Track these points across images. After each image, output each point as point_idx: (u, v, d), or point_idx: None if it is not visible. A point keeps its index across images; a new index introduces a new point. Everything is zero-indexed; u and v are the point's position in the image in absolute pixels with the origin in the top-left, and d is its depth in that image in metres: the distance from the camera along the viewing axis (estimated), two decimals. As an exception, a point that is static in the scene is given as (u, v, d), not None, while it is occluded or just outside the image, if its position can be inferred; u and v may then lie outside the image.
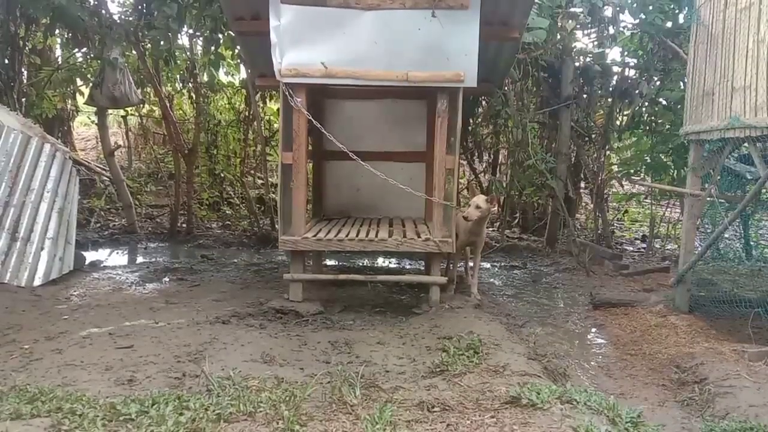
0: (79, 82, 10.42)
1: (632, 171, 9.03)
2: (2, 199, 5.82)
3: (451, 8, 4.88)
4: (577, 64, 8.90)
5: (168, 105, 9.61)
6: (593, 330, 5.33)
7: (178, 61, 9.53)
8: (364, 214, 6.81)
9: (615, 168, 9.92)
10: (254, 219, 9.61)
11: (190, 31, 9.00)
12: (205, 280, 6.40)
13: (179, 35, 8.63)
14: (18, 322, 4.53)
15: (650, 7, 7.89)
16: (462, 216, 5.26)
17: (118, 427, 2.63)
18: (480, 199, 5.29)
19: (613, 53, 9.55)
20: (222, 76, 10.24)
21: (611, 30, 8.72)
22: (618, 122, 9.26)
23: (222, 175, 10.63)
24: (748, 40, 4.49)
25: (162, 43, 8.06)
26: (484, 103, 9.39)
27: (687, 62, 5.78)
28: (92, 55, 9.29)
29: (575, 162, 9.39)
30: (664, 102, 8.58)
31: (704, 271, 5.90)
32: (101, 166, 10.60)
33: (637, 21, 8.25)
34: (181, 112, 11.14)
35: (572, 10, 8.45)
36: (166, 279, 6.42)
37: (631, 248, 9.42)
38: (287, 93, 4.97)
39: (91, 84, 9.09)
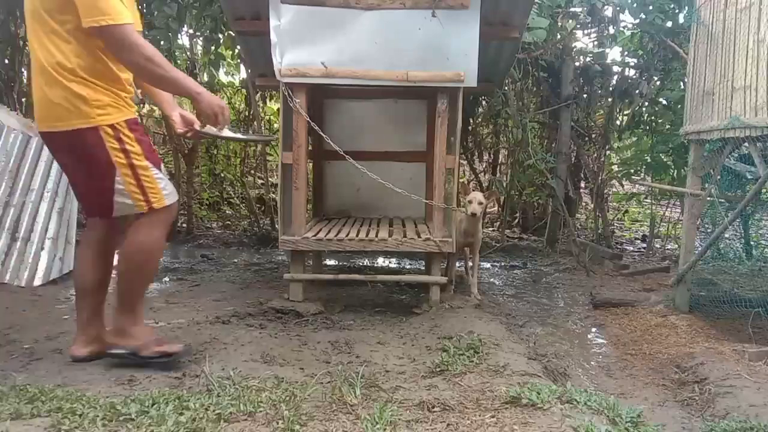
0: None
1: (632, 171, 9.03)
2: (2, 199, 5.81)
3: (451, 8, 4.87)
4: (577, 63, 8.91)
5: (168, 105, 9.59)
6: (593, 330, 5.33)
7: (178, 61, 9.52)
8: (364, 214, 6.80)
9: (615, 168, 9.92)
10: (254, 219, 9.60)
11: (190, 31, 9.00)
12: (205, 280, 6.39)
13: (179, 35, 8.63)
14: (18, 322, 4.52)
15: (650, 7, 7.89)
16: (470, 213, 5.31)
17: (118, 427, 2.63)
18: (479, 196, 5.37)
19: (613, 53, 9.59)
20: (222, 76, 10.24)
21: (611, 30, 8.74)
22: (618, 122, 9.26)
23: (222, 175, 10.62)
24: (748, 40, 4.50)
25: (162, 43, 8.05)
26: (484, 103, 9.39)
27: (687, 62, 5.77)
28: (92, 55, 9.29)
29: (575, 162, 9.39)
30: (664, 102, 8.58)
31: (704, 271, 5.90)
32: (101, 166, 10.57)
33: (637, 21, 8.26)
34: (181, 112, 11.12)
35: (572, 9, 8.46)
36: (166, 279, 6.41)
37: (631, 248, 9.42)
38: (287, 93, 4.97)
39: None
